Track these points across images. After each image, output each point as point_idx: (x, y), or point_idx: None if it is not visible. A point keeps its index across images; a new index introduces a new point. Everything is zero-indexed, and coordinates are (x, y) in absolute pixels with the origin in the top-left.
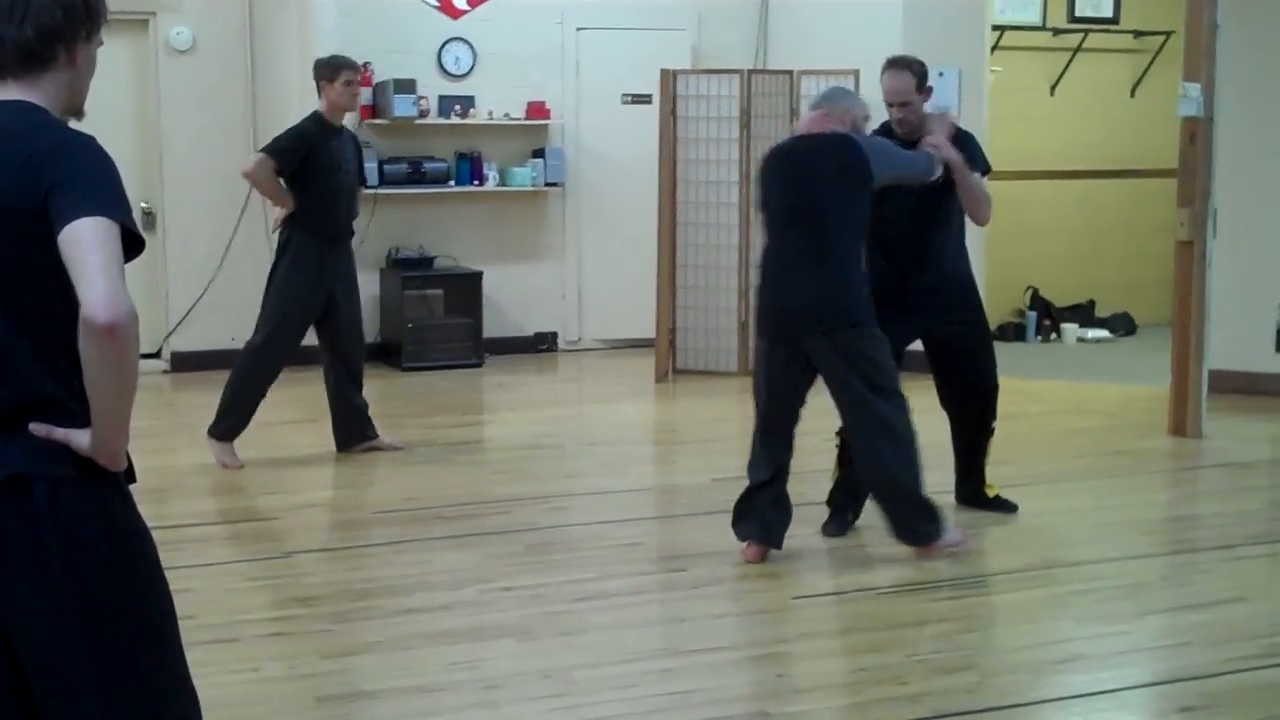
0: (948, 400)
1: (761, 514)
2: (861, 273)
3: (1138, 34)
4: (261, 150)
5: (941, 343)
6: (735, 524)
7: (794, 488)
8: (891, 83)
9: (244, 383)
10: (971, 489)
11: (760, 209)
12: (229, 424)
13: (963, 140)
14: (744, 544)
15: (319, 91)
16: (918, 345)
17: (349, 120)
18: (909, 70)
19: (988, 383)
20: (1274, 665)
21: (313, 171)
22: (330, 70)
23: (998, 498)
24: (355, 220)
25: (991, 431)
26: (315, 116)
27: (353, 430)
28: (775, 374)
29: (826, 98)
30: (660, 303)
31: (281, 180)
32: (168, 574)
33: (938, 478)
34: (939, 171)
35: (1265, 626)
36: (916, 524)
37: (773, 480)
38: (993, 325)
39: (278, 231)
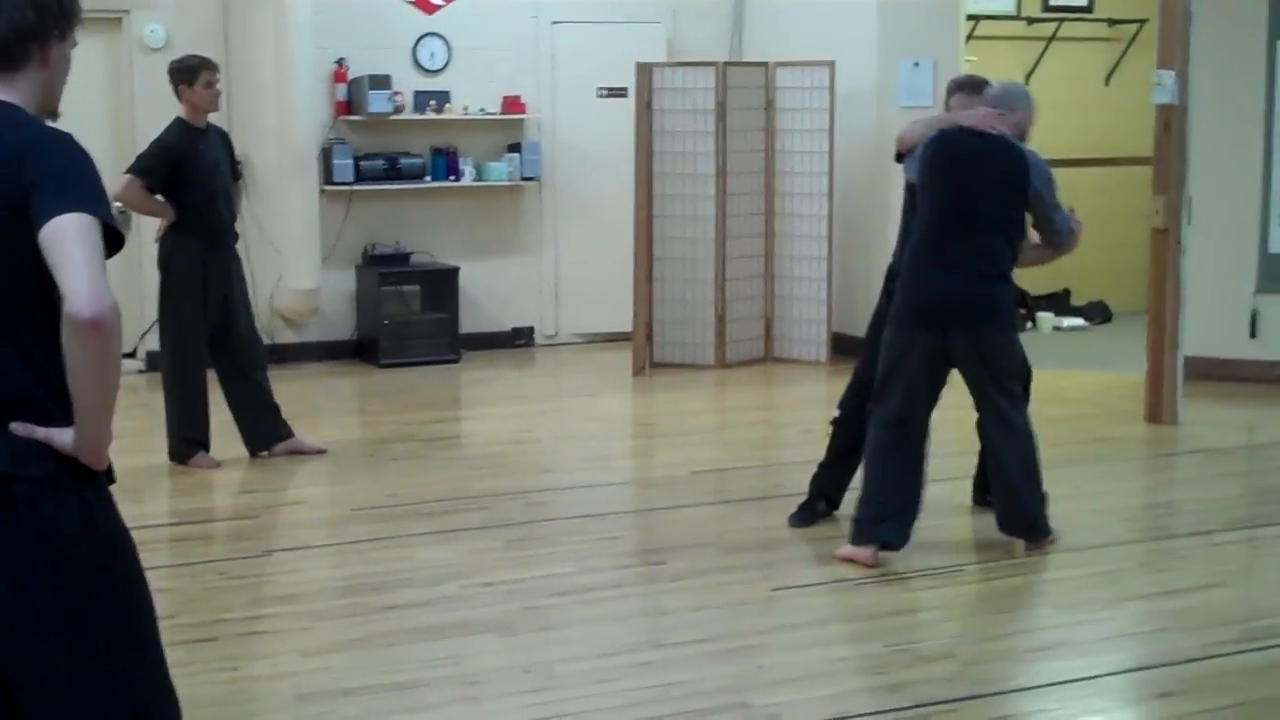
0: None
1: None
2: (1011, 279)
3: (1112, 22)
4: (128, 171)
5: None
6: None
7: (770, 479)
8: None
9: (176, 397)
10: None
11: (922, 192)
12: (182, 442)
13: None
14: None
15: (178, 96)
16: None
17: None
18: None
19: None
20: (1252, 650)
21: (186, 179)
22: (188, 73)
23: None
24: (236, 219)
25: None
26: (178, 123)
27: (269, 431)
28: (913, 366)
29: (1005, 98)
30: (637, 296)
31: (158, 195)
32: (147, 574)
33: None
34: (1069, 247)
35: (1243, 611)
36: (1034, 518)
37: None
38: None
39: (159, 241)
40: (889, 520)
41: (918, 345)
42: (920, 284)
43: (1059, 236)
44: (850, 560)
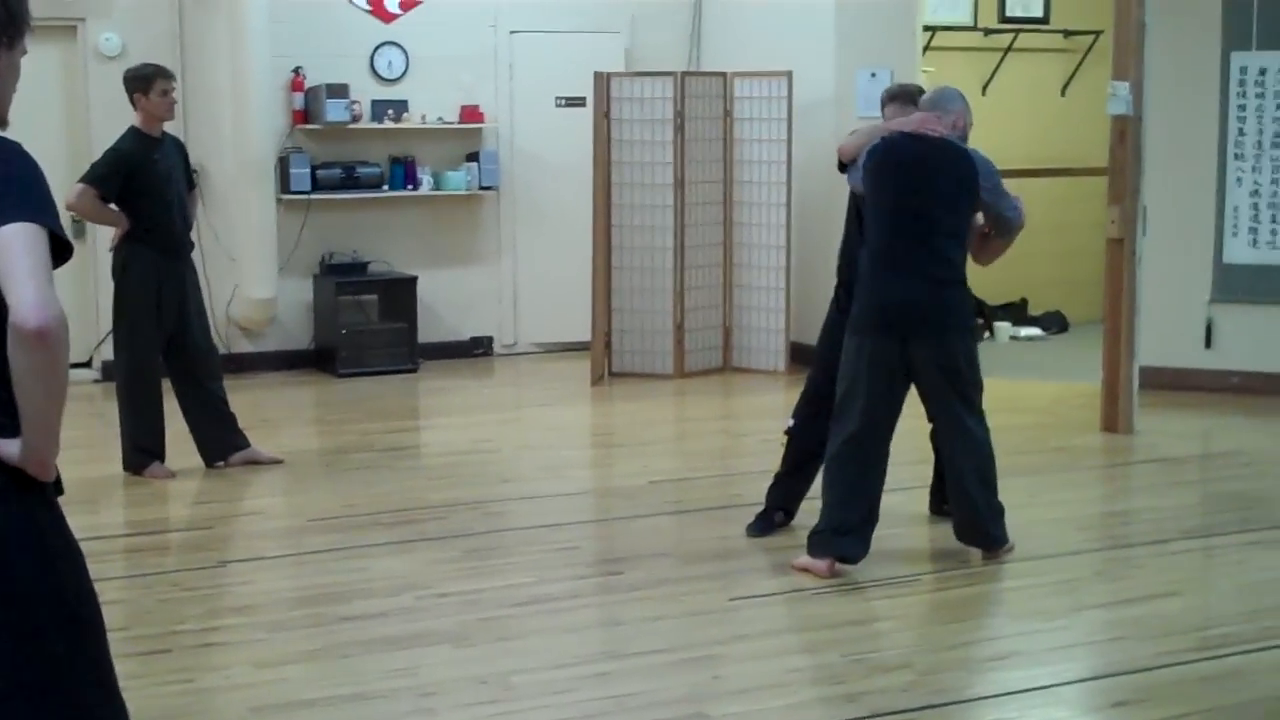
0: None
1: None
2: (967, 285)
3: (1068, 33)
4: (81, 180)
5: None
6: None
7: (729, 489)
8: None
9: (130, 407)
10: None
11: (873, 199)
12: (137, 452)
13: None
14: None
15: (133, 105)
16: None
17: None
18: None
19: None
20: (1207, 659)
21: (140, 188)
22: (143, 82)
23: None
24: (191, 228)
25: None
26: (132, 132)
27: (225, 441)
28: (874, 378)
29: (939, 101)
30: (596, 306)
31: (112, 204)
32: (99, 585)
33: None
34: (1020, 229)
35: (1199, 620)
36: (990, 527)
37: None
38: None
39: (113, 250)
40: (848, 534)
41: (878, 352)
42: (878, 290)
43: (1011, 225)
44: (806, 570)
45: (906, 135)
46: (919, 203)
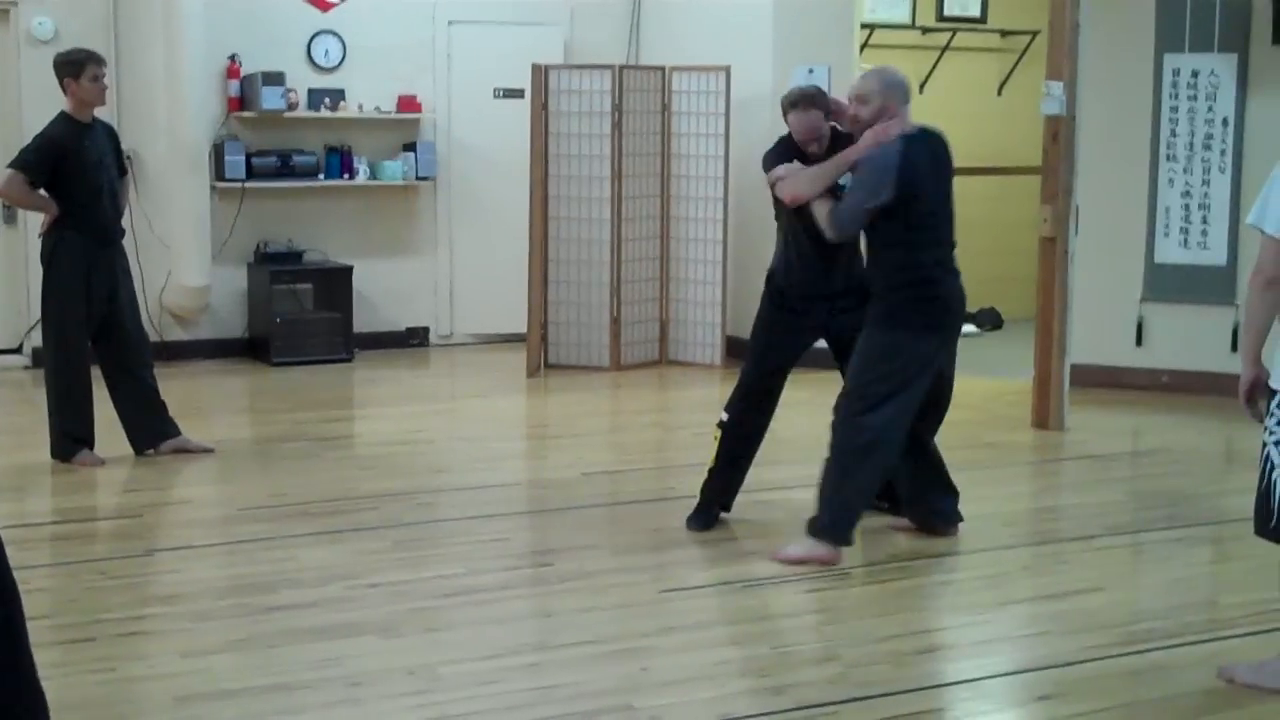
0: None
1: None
2: None
3: (1004, 33)
4: (10, 166)
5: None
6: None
7: (662, 481)
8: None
9: (59, 394)
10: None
11: (915, 205)
12: (66, 439)
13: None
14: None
15: (64, 90)
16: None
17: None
18: (815, 107)
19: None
20: (1131, 653)
21: (70, 174)
22: (74, 67)
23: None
24: (123, 215)
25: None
26: (62, 117)
27: (155, 429)
28: (928, 377)
29: (897, 85)
30: (532, 298)
31: (41, 190)
32: (24, 573)
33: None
34: None
35: (1123, 615)
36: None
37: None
38: None
39: (42, 237)
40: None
41: (936, 353)
42: (947, 291)
43: (826, 221)
44: (805, 562)
45: (923, 133)
46: (948, 200)
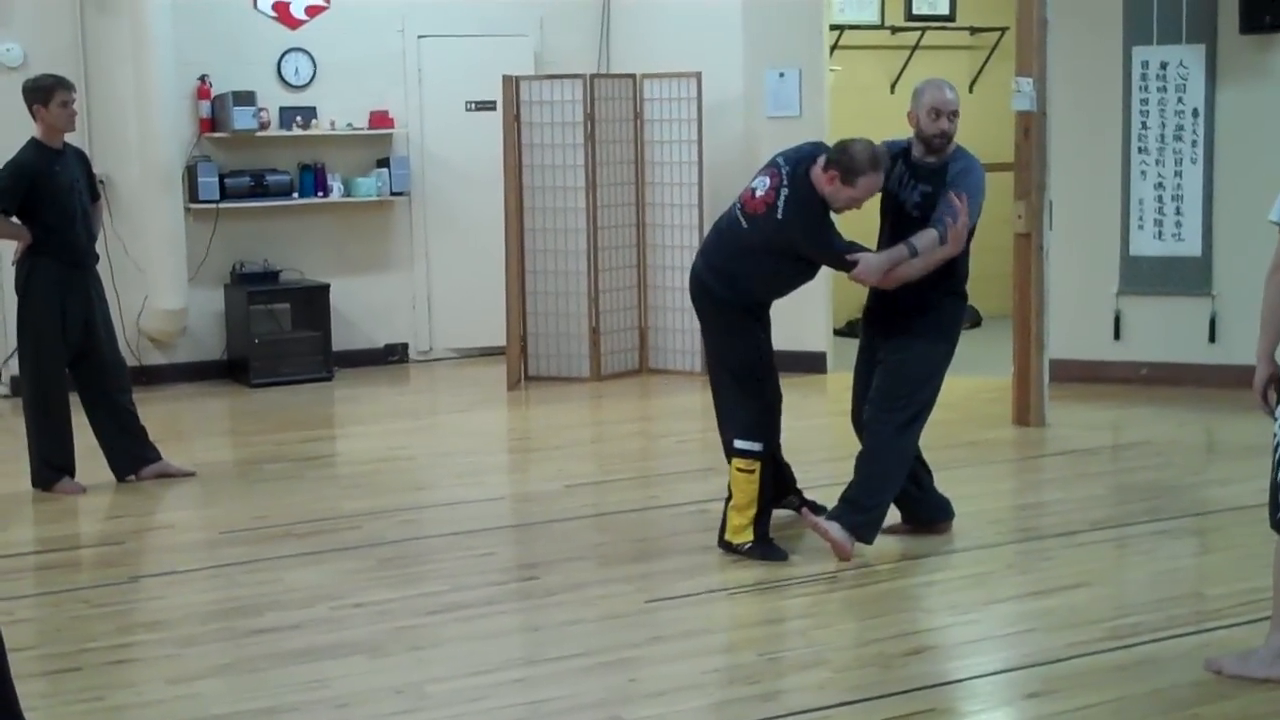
0: None
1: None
2: None
3: (974, 30)
4: None
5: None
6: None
7: (646, 490)
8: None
9: (38, 422)
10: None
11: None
12: (46, 468)
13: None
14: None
15: (33, 116)
16: None
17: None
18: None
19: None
20: (1118, 648)
21: (42, 200)
22: (42, 93)
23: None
24: (96, 240)
25: None
26: (33, 144)
27: (136, 455)
28: None
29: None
30: (510, 310)
31: (14, 217)
32: (7, 604)
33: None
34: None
35: (1108, 610)
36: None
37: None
38: (839, 323)
39: (15, 265)
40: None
41: None
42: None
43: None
44: (831, 538)
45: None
46: None
